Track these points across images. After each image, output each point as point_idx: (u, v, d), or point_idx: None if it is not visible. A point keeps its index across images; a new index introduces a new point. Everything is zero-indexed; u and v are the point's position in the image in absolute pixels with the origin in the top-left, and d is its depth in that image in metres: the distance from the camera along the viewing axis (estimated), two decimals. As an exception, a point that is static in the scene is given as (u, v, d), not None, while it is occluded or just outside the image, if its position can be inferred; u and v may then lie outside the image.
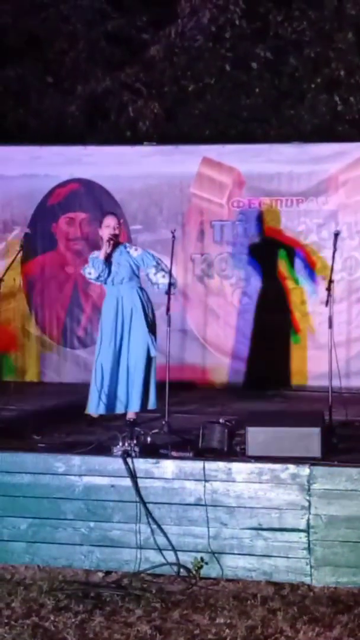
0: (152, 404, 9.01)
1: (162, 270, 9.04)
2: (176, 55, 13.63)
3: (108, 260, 9.06)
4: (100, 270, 9.01)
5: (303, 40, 13.43)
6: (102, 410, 8.99)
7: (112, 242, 9.05)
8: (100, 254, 9.05)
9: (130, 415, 9.05)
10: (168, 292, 8.64)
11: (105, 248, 9.03)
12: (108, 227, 9.11)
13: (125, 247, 9.21)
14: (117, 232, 9.12)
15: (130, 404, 9.00)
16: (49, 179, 12.27)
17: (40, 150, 12.32)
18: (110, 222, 9.16)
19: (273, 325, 11.66)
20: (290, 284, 11.73)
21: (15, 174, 12.24)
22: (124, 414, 9.07)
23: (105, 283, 9.14)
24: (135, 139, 13.11)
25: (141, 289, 9.14)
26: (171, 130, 13.49)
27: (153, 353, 9.01)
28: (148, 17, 13.90)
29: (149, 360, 9.01)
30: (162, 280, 8.97)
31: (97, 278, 9.11)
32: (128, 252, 9.14)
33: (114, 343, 9.02)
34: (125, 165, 12.03)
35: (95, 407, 8.99)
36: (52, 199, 12.32)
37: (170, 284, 8.72)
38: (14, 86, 14.01)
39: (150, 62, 13.70)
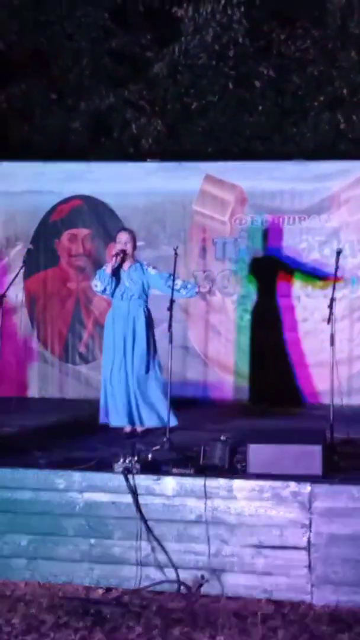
0: (157, 421, 9.11)
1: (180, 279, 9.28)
2: (179, 73, 13.67)
3: (115, 274, 9.14)
4: (106, 284, 9.16)
5: (306, 58, 13.47)
6: (124, 422, 9.17)
7: (119, 256, 9.17)
8: (107, 268, 9.14)
9: (127, 428, 9.17)
10: (170, 309, 8.66)
11: (113, 262, 9.13)
12: (119, 242, 9.27)
13: (142, 265, 9.30)
14: (126, 247, 9.21)
15: (142, 419, 9.15)
16: (52, 195, 12.32)
17: (43, 166, 12.36)
18: (121, 237, 9.34)
19: (273, 343, 11.67)
20: (291, 301, 11.73)
21: (19, 190, 12.28)
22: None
23: (112, 296, 9.23)
24: (138, 156, 13.15)
25: (147, 308, 9.27)
26: (174, 148, 13.52)
27: (148, 371, 9.16)
28: (152, 35, 13.96)
29: (149, 377, 9.15)
30: (186, 284, 9.28)
31: (103, 291, 9.27)
32: (144, 270, 9.25)
33: (120, 355, 9.15)
34: (128, 182, 12.07)
35: (113, 418, 9.19)
36: (54, 215, 12.35)
37: (172, 302, 8.75)
38: (18, 103, 14.06)
39: (153, 79, 13.74)
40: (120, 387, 9.12)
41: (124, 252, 9.21)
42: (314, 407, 11.05)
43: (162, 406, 8.97)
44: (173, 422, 8.82)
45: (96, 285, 9.28)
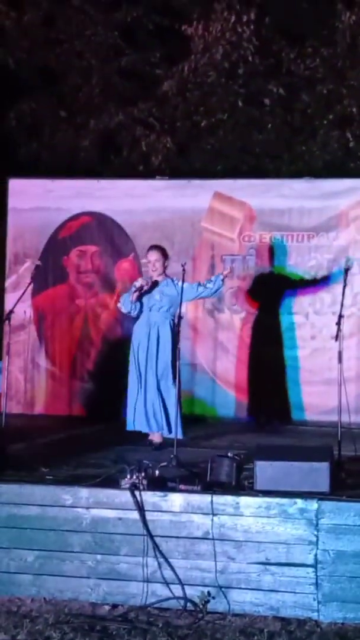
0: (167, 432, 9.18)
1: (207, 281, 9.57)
2: (189, 91, 13.70)
3: (139, 300, 9.33)
4: (130, 309, 9.40)
5: (315, 77, 13.50)
6: (144, 427, 9.37)
7: (144, 289, 9.34)
8: (133, 296, 9.32)
9: (157, 438, 9.33)
10: (177, 326, 8.72)
11: (138, 292, 9.32)
12: (149, 262, 9.49)
13: (174, 281, 9.44)
14: (156, 265, 9.44)
15: (170, 428, 9.20)
16: (61, 212, 12.35)
17: (52, 183, 12.40)
18: (151, 256, 9.52)
19: (281, 360, 11.66)
20: (299, 318, 11.73)
21: (28, 207, 12.32)
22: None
23: (138, 317, 9.45)
24: (148, 173, 13.18)
25: (173, 321, 9.36)
26: (183, 165, 13.56)
27: (170, 382, 9.26)
28: (161, 53, 14.01)
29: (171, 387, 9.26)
30: (209, 279, 9.59)
31: (128, 313, 9.52)
32: (175, 285, 9.37)
33: (144, 366, 9.35)
34: (137, 199, 12.10)
35: (131, 423, 9.38)
36: (63, 232, 12.38)
37: (179, 317, 8.83)
38: (28, 120, 14.12)
39: (163, 97, 13.78)
40: (145, 395, 9.31)
41: (153, 282, 9.38)
42: (319, 424, 11.01)
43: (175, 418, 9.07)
44: (180, 435, 8.89)
45: (121, 308, 9.56)
